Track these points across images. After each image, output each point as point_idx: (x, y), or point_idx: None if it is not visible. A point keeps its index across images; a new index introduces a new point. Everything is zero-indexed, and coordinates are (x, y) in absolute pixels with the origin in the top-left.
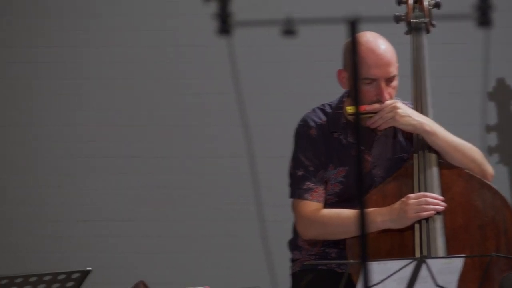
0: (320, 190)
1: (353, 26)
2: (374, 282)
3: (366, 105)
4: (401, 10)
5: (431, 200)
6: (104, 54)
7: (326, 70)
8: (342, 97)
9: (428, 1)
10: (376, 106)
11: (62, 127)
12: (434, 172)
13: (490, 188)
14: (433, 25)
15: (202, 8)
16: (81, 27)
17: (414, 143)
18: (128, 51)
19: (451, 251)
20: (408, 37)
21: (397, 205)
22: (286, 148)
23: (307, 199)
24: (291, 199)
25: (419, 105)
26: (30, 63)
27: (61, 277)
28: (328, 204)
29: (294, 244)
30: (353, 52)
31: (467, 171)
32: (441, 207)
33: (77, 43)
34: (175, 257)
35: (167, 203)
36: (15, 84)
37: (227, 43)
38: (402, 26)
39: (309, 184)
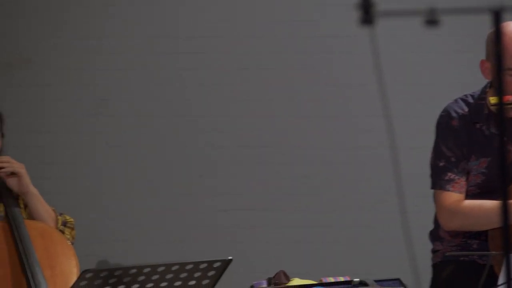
0: (461, 181)
1: (497, 16)
2: None
3: (510, 96)
4: None
5: None
6: (256, 45)
7: (467, 60)
8: (485, 87)
9: None
10: None
11: (199, 118)
12: None
13: None
14: None
15: None
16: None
17: None
18: (269, 42)
19: None
20: None
21: None
22: (428, 138)
23: (448, 190)
24: (433, 190)
25: None
26: (174, 54)
27: (203, 266)
28: (469, 195)
29: (436, 235)
30: (497, 43)
31: None
32: None
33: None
34: (316, 247)
35: (308, 193)
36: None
37: (370, 33)
38: None
39: (450, 175)
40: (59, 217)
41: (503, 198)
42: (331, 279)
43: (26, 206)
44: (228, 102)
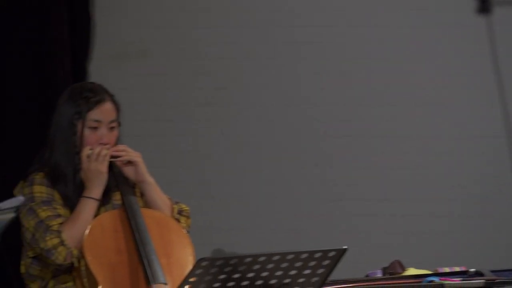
0: None
1: None
2: None
3: None
4: None
5: None
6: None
7: None
8: None
9: None
10: None
11: (314, 107)
12: None
13: None
14: None
15: None
16: None
17: None
18: (387, 32)
19: None
20: None
21: None
22: None
23: None
24: None
25: None
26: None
27: (318, 255)
28: None
29: None
30: None
31: None
32: None
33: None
34: (431, 237)
35: (423, 183)
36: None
37: (487, 22)
38: None
39: None
40: (174, 206)
41: None
42: (447, 269)
43: (142, 194)
44: (344, 91)
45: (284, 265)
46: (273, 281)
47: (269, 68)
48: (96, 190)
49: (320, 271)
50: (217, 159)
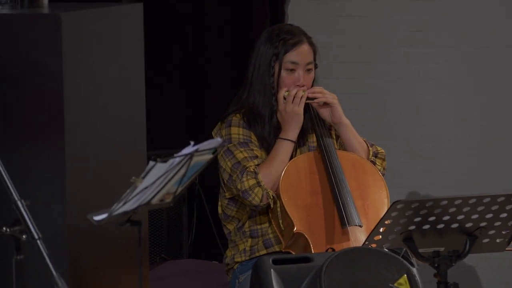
0: None
1: None
2: None
3: None
4: None
5: None
6: None
7: None
8: None
9: None
10: None
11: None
12: None
13: None
14: None
15: None
16: None
17: None
18: None
19: None
20: None
21: None
22: None
23: None
24: None
25: None
26: None
27: (501, 199)
28: None
29: None
30: None
31: None
32: None
33: None
34: None
35: None
36: None
37: None
38: None
39: None
40: (370, 148)
41: None
42: None
43: (338, 137)
44: None
45: (480, 208)
46: (468, 224)
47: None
48: (292, 132)
49: None
50: (413, 101)
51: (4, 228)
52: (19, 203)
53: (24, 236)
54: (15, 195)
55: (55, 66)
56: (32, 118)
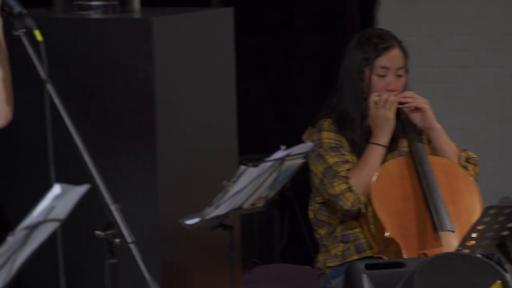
0: None
1: None
2: None
3: None
4: None
5: None
6: None
7: None
8: None
9: None
10: None
11: None
12: None
13: None
14: None
15: None
16: None
17: None
18: None
19: None
20: None
21: None
22: None
23: None
24: None
25: None
26: None
27: None
28: None
29: None
30: None
31: None
32: None
33: None
34: None
35: None
36: None
37: None
38: None
39: None
40: (462, 153)
41: None
42: None
43: (429, 141)
44: None
45: None
46: None
47: None
48: (383, 136)
49: None
50: None
51: (97, 232)
52: (112, 207)
53: (117, 240)
54: (108, 199)
55: (147, 70)
56: (124, 123)
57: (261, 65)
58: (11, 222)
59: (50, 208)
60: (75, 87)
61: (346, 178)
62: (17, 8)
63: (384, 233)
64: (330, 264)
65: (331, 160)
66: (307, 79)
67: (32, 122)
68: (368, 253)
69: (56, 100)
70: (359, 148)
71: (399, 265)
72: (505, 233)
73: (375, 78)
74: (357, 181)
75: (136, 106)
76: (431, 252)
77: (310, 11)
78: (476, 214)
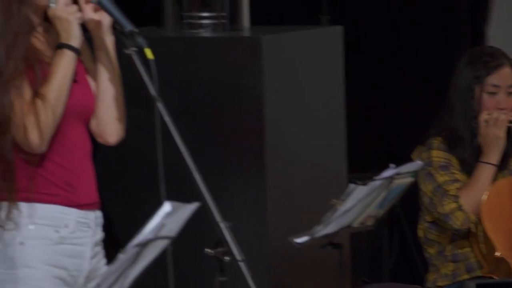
0: None
1: None
2: None
3: None
4: None
5: None
6: None
7: None
8: None
9: None
10: None
11: None
12: None
13: None
14: None
15: None
16: None
17: None
18: None
19: None
20: None
21: None
22: None
23: None
24: None
25: None
26: None
27: None
28: None
29: None
30: None
31: None
32: None
33: None
34: None
35: None
36: None
37: None
38: None
39: None
40: None
41: None
42: None
43: None
44: None
45: None
46: None
47: None
48: (494, 155)
49: None
50: None
51: (207, 250)
52: (221, 225)
53: (227, 258)
54: (218, 217)
55: (256, 88)
56: (233, 140)
57: (369, 83)
58: (122, 239)
59: (161, 225)
60: (185, 105)
61: (456, 197)
62: (128, 27)
63: (494, 252)
64: (440, 284)
65: (441, 178)
66: (416, 97)
67: (143, 140)
68: (478, 272)
69: (167, 118)
70: (469, 167)
71: (510, 285)
72: None
73: (485, 96)
74: (467, 200)
75: (245, 124)
76: None
77: (420, 29)
78: None
